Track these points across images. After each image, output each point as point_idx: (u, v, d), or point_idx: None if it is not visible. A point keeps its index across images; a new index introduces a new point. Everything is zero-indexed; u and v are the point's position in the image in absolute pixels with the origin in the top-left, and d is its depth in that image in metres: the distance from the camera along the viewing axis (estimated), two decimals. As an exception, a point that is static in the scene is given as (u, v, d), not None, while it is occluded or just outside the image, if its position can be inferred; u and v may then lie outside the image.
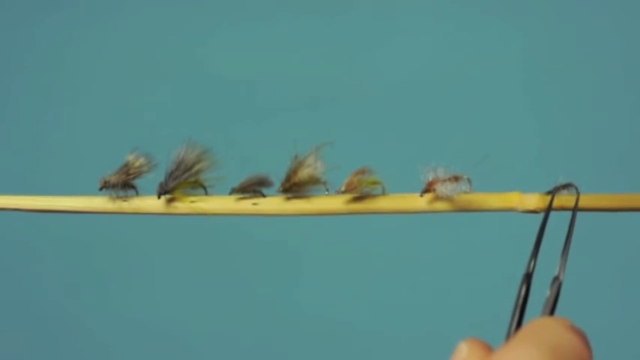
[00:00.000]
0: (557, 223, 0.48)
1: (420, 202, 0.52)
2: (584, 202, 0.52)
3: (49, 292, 1.15)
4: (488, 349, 0.36)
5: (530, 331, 0.35)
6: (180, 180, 0.53)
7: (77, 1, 1.21)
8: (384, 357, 1.11)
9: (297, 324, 1.13)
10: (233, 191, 0.53)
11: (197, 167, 0.53)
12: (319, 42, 1.19)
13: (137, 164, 0.54)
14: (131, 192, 0.54)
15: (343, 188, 0.52)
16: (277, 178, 0.53)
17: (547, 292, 0.41)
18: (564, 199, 0.51)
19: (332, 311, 1.13)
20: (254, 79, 1.18)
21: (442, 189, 0.51)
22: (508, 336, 0.39)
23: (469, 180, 0.51)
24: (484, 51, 1.18)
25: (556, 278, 0.42)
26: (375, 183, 0.52)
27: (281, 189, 0.53)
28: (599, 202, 0.52)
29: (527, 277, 0.41)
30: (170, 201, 0.54)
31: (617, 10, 1.16)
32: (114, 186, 0.53)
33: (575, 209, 0.48)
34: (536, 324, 0.36)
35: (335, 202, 0.53)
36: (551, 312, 0.40)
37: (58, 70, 1.20)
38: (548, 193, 0.52)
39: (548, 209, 0.47)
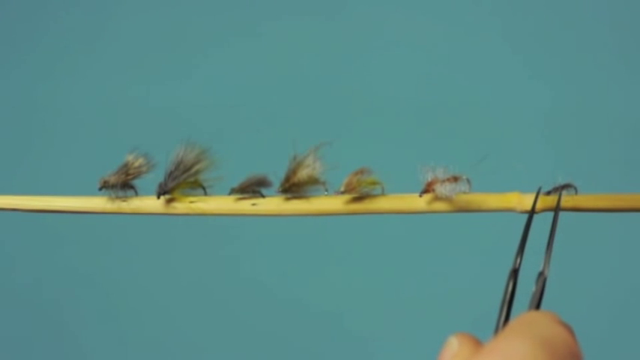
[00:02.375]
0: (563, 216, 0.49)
1: (419, 202, 0.52)
2: (583, 202, 0.52)
3: (48, 293, 1.15)
4: (478, 343, 0.37)
5: (520, 324, 0.35)
6: (180, 180, 0.53)
7: (78, 6, 1.21)
8: (377, 351, 1.11)
9: (296, 324, 1.13)
10: (232, 191, 0.53)
11: (196, 167, 0.53)
12: (320, 43, 1.19)
13: (136, 164, 0.54)
14: (130, 192, 0.54)
15: (342, 188, 0.52)
16: (276, 179, 0.53)
17: (533, 288, 0.41)
18: (562, 199, 0.51)
19: (331, 309, 1.13)
20: (254, 80, 1.18)
21: (441, 189, 0.51)
22: (496, 330, 0.39)
23: (468, 180, 0.51)
24: (484, 51, 1.18)
25: (541, 274, 0.42)
26: (374, 183, 0.52)
27: (280, 189, 0.53)
28: (598, 202, 0.52)
29: (514, 273, 0.42)
30: (169, 201, 0.54)
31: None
32: (113, 186, 0.53)
33: (557, 209, 0.48)
34: (526, 317, 0.36)
35: (334, 203, 0.53)
36: (537, 306, 0.41)
37: (58, 69, 1.20)
38: (548, 193, 0.52)
39: (532, 210, 0.47)
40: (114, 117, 1.18)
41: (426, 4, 1.19)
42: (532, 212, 0.47)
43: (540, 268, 0.43)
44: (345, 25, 1.20)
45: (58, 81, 1.20)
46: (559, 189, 0.52)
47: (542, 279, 0.41)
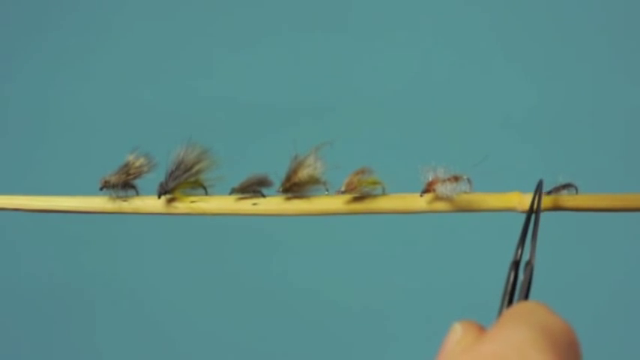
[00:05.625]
0: (556, 218, 0.49)
1: (419, 202, 0.52)
2: (583, 201, 0.52)
3: (48, 293, 1.15)
4: (482, 329, 0.37)
5: (517, 312, 0.36)
6: (181, 180, 0.53)
7: (78, 9, 1.21)
8: (384, 344, 1.11)
9: (297, 325, 1.13)
10: (233, 191, 0.53)
11: (197, 167, 0.53)
12: (321, 43, 1.19)
13: (137, 164, 0.54)
14: (131, 192, 0.54)
15: (343, 188, 0.52)
16: (277, 178, 0.53)
17: (521, 277, 0.42)
18: (561, 198, 0.51)
19: (332, 309, 1.13)
20: (255, 80, 1.18)
21: (442, 189, 0.51)
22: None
23: (469, 180, 0.51)
24: (484, 51, 1.18)
25: (528, 263, 0.42)
26: (375, 183, 0.52)
27: (281, 189, 0.53)
28: (598, 202, 0.52)
29: (515, 265, 0.42)
30: (170, 201, 0.54)
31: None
32: (114, 186, 0.53)
33: (538, 210, 0.47)
34: (523, 306, 0.36)
35: (335, 202, 0.53)
36: (526, 295, 0.41)
37: (58, 69, 1.20)
38: (548, 193, 0.52)
39: (530, 210, 0.47)
40: (115, 117, 1.18)
41: (427, 7, 1.19)
42: (530, 211, 0.47)
43: (527, 258, 0.43)
44: (347, 25, 1.20)
45: (60, 82, 1.20)
46: (559, 188, 0.52)
47: (529, 268, 0.42)
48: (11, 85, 1.20)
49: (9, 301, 1.15)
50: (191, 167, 0.53)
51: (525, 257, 0.43)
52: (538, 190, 0.48)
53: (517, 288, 0.41)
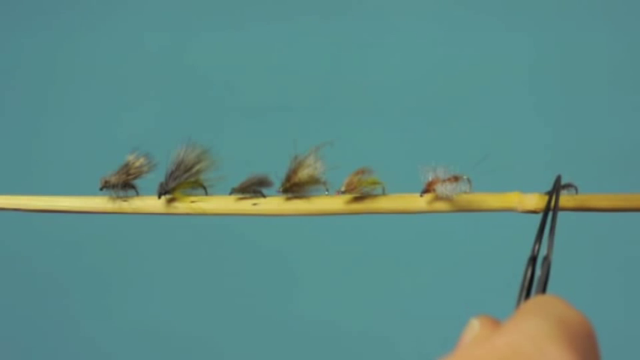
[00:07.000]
0: (564, 216, 0.49)
1: (419, 202, 0.52)
2: (583, 201, 0.52)
3: (48, 293, 1.15)
4: (499, 324, 0.37)
5: (534, 305, 0.35)
6: (181, 180, 0.53)
7: (73, 6, 1.21)
8: (385, 345, 1.11)
9: (298, 326, 1.13)
10: (233, 191, 0.53)
11: (197, 167, 0.53)
12: (321, 43, 1.19)
13: (137, 164, 0.54)
14: (131, 192, 0.54)
15: (343, 188, 0.52)
16: (277, 179, 0.53)
17: (538, 272, 0.42)
18: (563, 198, 0.51)
19: (333, 311, 1.13)
20: (254, 80, 1.18)
21: (442, 189, 0.51)
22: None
23: (469, 180, 0.51)
24: (485, 50, 1.18)
25: (545, 258, 0.42)
26: (375, 183, 0.52)
27: (281, 189, 0.53)
28: (599, 202, 0.52)
29: (533, 260, 0.42)
30: (170, 201, 0.54)
31: (620, 11, 1.17)
32: (114, 186, 0.53)
33: (556, 206, 0.47)
34: (538, 300, 0.36)
35: (335, 202, 0.53)
36: (544, 290, 0.41)
37: (57, 69, 1.20)
38: (548, 193, 0.52)
39: (546, 209, 0.47)
40: (114, 116, 1.18)
41: (427, 6, 1.19)
42: (548, 206, 0.47)
43: (544, 253, 0.43)
44: (347, 26, 1.20)
45: (59, 81, 1.20)
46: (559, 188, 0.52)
47: (546, 263, 0.42)
48: (11, 85, 1.20)
49: (8, 301, 1.15)
50: (191, 167, 0.53)
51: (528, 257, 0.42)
52: (556, 186, 0.48)
53: (533, 283, 0.41)
